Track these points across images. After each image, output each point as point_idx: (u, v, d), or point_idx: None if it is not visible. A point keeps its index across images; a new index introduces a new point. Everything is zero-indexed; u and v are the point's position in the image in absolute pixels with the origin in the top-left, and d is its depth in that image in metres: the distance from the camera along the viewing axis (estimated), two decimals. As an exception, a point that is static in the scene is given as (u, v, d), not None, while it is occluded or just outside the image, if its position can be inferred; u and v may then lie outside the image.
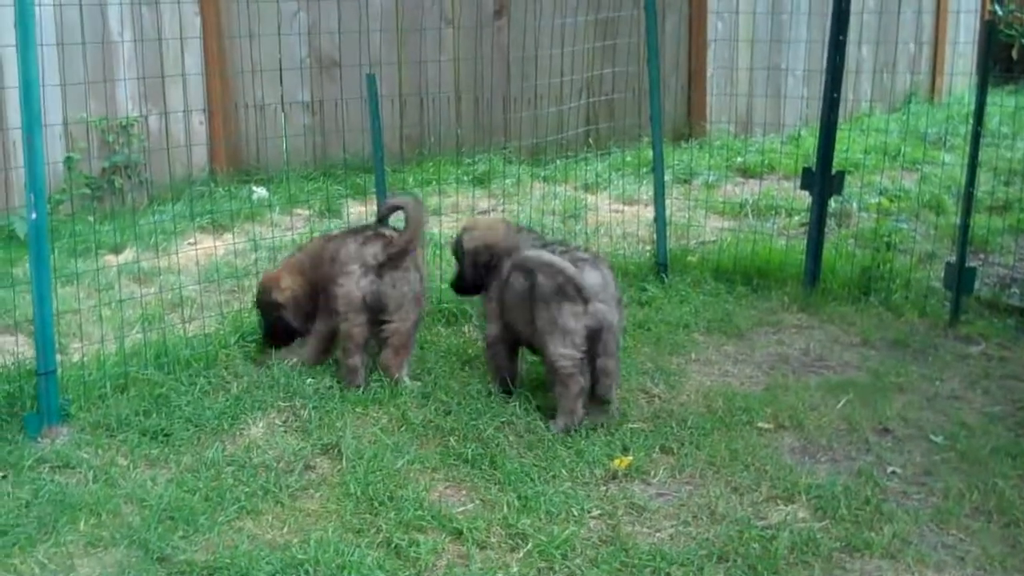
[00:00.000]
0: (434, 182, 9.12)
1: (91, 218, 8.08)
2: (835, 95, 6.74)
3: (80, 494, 4.48)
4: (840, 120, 6.97)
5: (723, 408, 5.28)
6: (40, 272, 5.02)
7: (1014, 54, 13.22)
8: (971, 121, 6.39)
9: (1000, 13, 13.08)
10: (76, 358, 5.66)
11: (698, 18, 10.77)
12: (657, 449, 4.88)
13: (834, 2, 6.70)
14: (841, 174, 6.80)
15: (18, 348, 5.64)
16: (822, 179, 6.77)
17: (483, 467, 4.69)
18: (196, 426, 5.05)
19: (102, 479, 4.62)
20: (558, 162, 9.75)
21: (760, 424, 5.16)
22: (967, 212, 6.38)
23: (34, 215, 4.96)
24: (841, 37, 6.68)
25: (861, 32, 10.84)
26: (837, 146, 6.93)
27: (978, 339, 6.16)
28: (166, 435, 4.98)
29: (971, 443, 4.96)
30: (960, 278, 6.29)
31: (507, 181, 9.27)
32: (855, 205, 8.18)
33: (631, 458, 4.77)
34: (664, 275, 7.00)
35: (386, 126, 8.95)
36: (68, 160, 8.45)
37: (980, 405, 5.41)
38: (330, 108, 9.78)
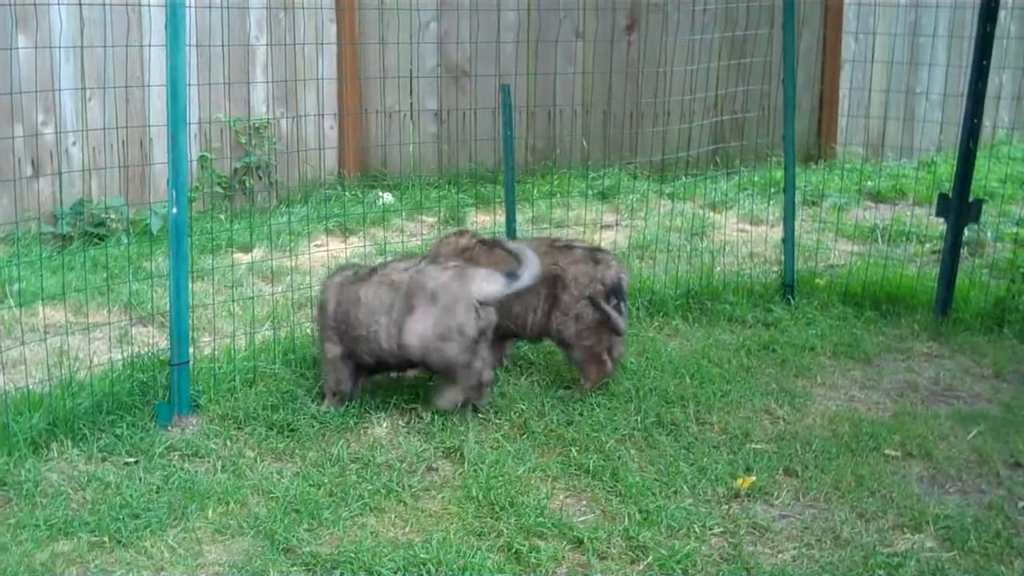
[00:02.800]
0: (559, 194, 9.16)
1: (222, 216, 8.30)
2: (975, 121, 6.59)
3: (208, 483, 4.59)
4: (979, 147, 6.81)
5: (849, 433, 5.19)
6: (178, 265, 5.15)
7: None
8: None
9: None
10: (207, 351, 5.80)
11: (833, 37, 10.63)
12: (781, 471, 4.81)
13: (978, 26, 6.55)
14: (979, 202, 6.64)
15: (153, 339, 5.81)
16: (959, 206, 6.62)
17: (604, 479, 4.68)
18: (321, 423, 5.13)
19: (230, 469, 4.73)
20: (684, 179, 9.70)
21: (887, 451, 5.05)
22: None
23: (175, 210, 5.10)
24: (984, 62, 6.53)
25: (1002, 58, 10.58)
26: (977, 174, 6.76)
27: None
28: (292, 430, 5.07)
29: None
30: (1101, 312, 6.10)
31: (632, 197, 9.26)
32: (990, 234, 7.97)
33: (754, 478, 4.71)
34: (791, 297, 6.91)
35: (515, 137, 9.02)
36: (202, 159, 8.69)
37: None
38: (458, 117, 9.88)
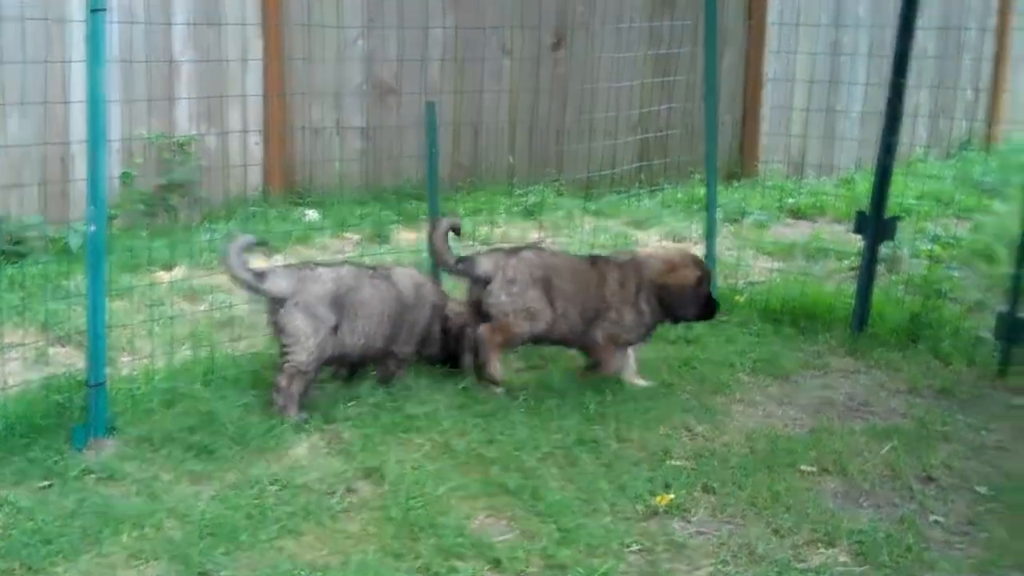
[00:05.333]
0: (485, 211, 9.18)
1: (144, 234, 8.20)
2: (892, 139, 6.72)
3: (124, 506, 4.53)
4: (894, 165, 6.95)
5: (766, 449, 5.25)
6: (95, 284, 5.09)
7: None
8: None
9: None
10: (125, 372, 5.74)
11: (755, 56, 10.79)
12: (699, 487, 4.86)
13: (895, 44, 6.68)
14: (895, 219, 6.77)
15: (70, 360, 5.73)
16: (875, 223, 6.74)
17: (524, 497, 4.69)
18: (240, 444, 5.09)
19: (146, 493, 4.67)
20: (609, 196, 9.78)
21: (803, 467, 5.11)
22: (1020, 262, 6.33)
23: (93, 227, 5.03)
24: (901, 80, 6.66)
25: (920, 76, 10.79)
26: (894, 191, 6.90)
27: (1026, 390, 6.10)
28: (210, 452, 5.02)
29: (1016, 495, 4.91)
30: (1011, 328, 6.23)
31: (557, 213, 9.31)
32: (906, 251, 8.13)
33: (672, 495, 4.75)
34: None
35: (440, 154, 9.02)
36: (124, 176, 8.59)
37: (1025, 458, 5.35)
38: (384, 134, 9.88)
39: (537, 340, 5.96)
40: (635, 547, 4.37)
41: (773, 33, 10.72)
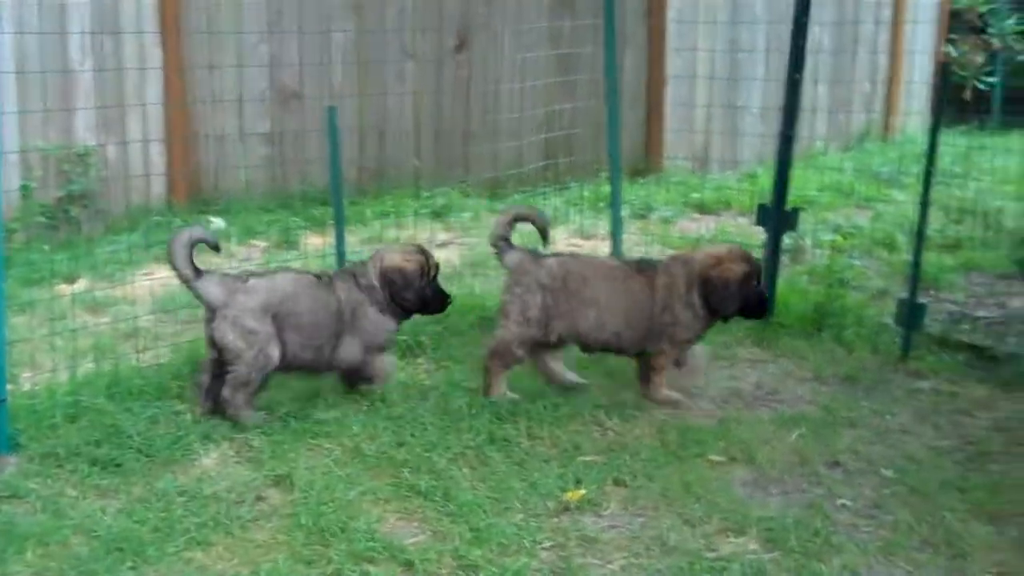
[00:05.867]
0: (392, 215, 9.15)
1: (46, 247, 8.05)
2: (790, 133, 6.83)
3: (28, 524, 4.43)
4: (796, 158, 7.06)
5: (676, 441, 5.29)
6: (-7, 299, 4.98)
7: (967, 95, 13.45)
8: (924, 160, 6.48)
9: (954, 54, 13.33)
10: (27, 387, 5.62)
11: (657, 55, 10.90)
12: (610, 481, 4.89)
13: (791, 40, 6.79)
14: (795, 211, 6.87)
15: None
16: (777, 215, 6.84)
17: (435, 499, 4.68)
18: (147, 456, 5.01)
19: (51, 509, 4.58)
20: (516, 196, 9.80)
21: (713, 457, 5.17)
22: (918, 250, 6.47)
23: (-12, 242, 4.93)
24: (796, 75, 6.77)
25: (817, 71, 10.99)
26: (793, 183, 7.01)
27: (928, 374, 6.21)
28: (117, 465, 4.94)
29: (920, 477, 5.00)
30: (911, 314, 6.36)
31: (465, 215, 9.32)
32: (809, 242, 8.26)
33: (584, 490, 4.77)
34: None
35: (345, 158, 8.93)
36: (24, 188, 8.42)
37: (929, 439, 5.45)
38: (290, 140, 9.80)
39: (586, 348, 5.91)
40: (547, 544, 4.38)
41: (673, 31, 10.84)
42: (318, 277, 5.74)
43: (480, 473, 4.93)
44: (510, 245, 5.88)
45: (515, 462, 5.03)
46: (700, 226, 9.21)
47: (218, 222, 8.99)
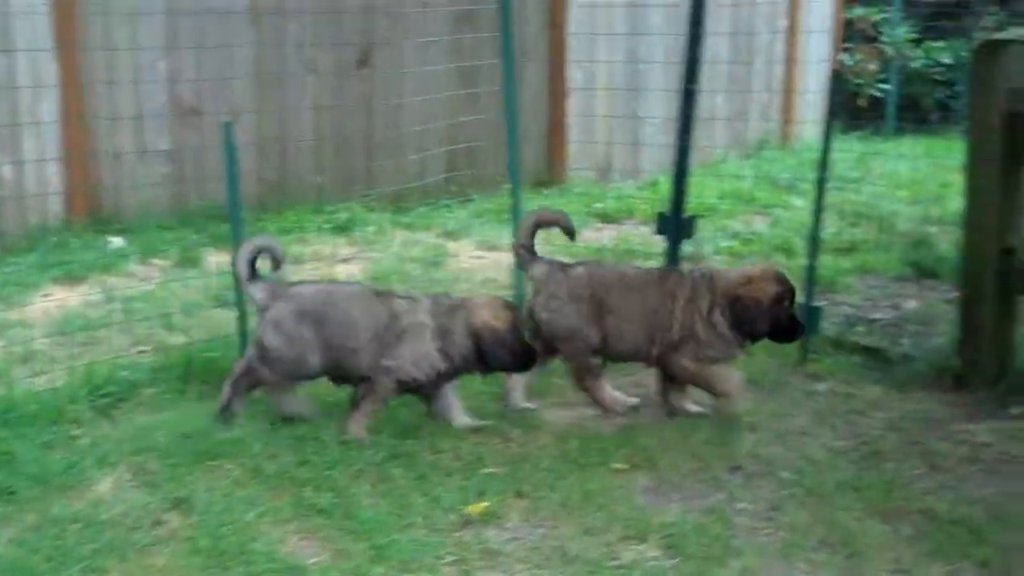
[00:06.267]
0: (295, 230, 9.10)
1: (-62, 271, 7.86)
2: (685, 143, 6.91)
3: (-84, 557, 4.33)
4: (696, 166, 7.15)
5: (578, 450, 5.32)
6: None
7: (862, 102, 13.74)
8: (817, 167, 6.61)
9: (849, 63, 13.62)
10: (-83, 416, 5.48)
11: (557, 67, 10.97)
12: (512, 493, 4.89)
13: (685, 52, 6.87)
14: (692, 218, 6.94)
15: None
16: (675, 223, 6.92)
17: (337, 517, 4.65)
18: (42, 483, 4.90)
19: (-60, 540, 4.47)
20: (420, 209, 9.81)
21: (615, 465, 5.20)
22: (813, 254, 6.59)
23: None
24: (691, 86, 6.86)
25: (716, 81, 11.14)
26: (694, 192, 7.10)
27: (825, 376, 6.31)
28: (10, 493, 4.83)
29: (817, 478, 5.08)
30: (808, 318, 6.46)
31: (369, 229, 9.29)
32: (708, 249, 8.36)
33: (487, 503, 4.78)
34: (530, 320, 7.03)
35: (247, 174, 8.88)
36: (-85, 211, 8.22)
37: (827, 441, 5.55)
38: (190, 156, 9.69)
39: (608, 356, 5.87)
40: (449, 558, 4.38)
41: (573, 44, 10.93)
42: (377, 292, 5.74)
43: (382, 489, 4.91)
44: (534, 255, 5.86)
45: (417, 477, 5.02)
46: (603, 235, 9.29)
47: (118, 241, 8.85)
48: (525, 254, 5.88)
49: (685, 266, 6.48)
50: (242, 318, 6.17)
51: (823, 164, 6.51)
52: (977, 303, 5.98)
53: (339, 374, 5.60)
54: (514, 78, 7.16)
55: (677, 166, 6.95)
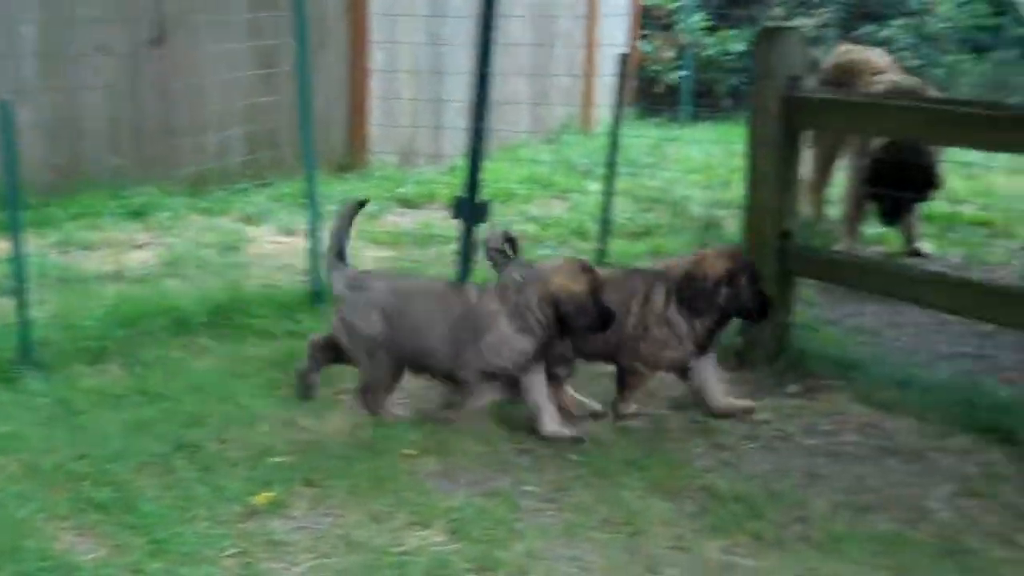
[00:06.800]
0: (87, 216, 8.80)
1: None
2: (480, 126, 6.96)
3: None
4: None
5: (369, 436, 5.29)
6: None
7: (659, 88, 14.09)
8: (608, 152, 6.74)
9: (647, 50, 13.94)
10: None
11: (358, 48, 10.88)
12: (299, 482, 4.83)
13: (478, 35, 6.91)
14: (486, 203, 6.99)
15: None
16: (470, 207, 6.96)
17: (116, 512, 4.51)
18: None
19: None
20: (219, 194, 9.61)
21: (406, 451, 5.18)
22: (604, 237, 6.72)
23: None
24: (485, 69, 6.90)
25: (517, 65, 11.24)
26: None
27: (613, 358, 6.44)
28: None
29: (603, 458, 5.17)
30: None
31: (165, 214, 9.05)
32: (507, 233, 8.43)
33: (273, 493, 4.72)
34: (319, 305, 6.98)
35: (36, 157, 8.57)
36: None
37: (609, 421, 5.66)
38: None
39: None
40: (232, 550, 4.30)
41: (375, 25, 10.85)
42: (452, 285, 5.73)
43: (165, 482, 4.79)
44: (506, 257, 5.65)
45: (202, 468, 4.91)
46: (405, 220, 9.28)
47: None
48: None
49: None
50: (22, 307, 5.94)
51: (612, 149, 6.66)
52: (758, 284, 6.17)
53: (421, 371, 5.59)
54: (308, 60, 7.07)
55: (472, 150, 7.00)
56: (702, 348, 5.64)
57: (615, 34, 13.21)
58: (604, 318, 5.41)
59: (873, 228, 8.36)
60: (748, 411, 5.68)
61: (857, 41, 11.48)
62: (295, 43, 7.06)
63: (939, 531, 4.59)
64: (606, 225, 6.73)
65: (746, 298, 5.56)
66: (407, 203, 9.82)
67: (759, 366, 6.14)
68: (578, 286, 5.37)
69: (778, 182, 6.06)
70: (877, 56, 8.67)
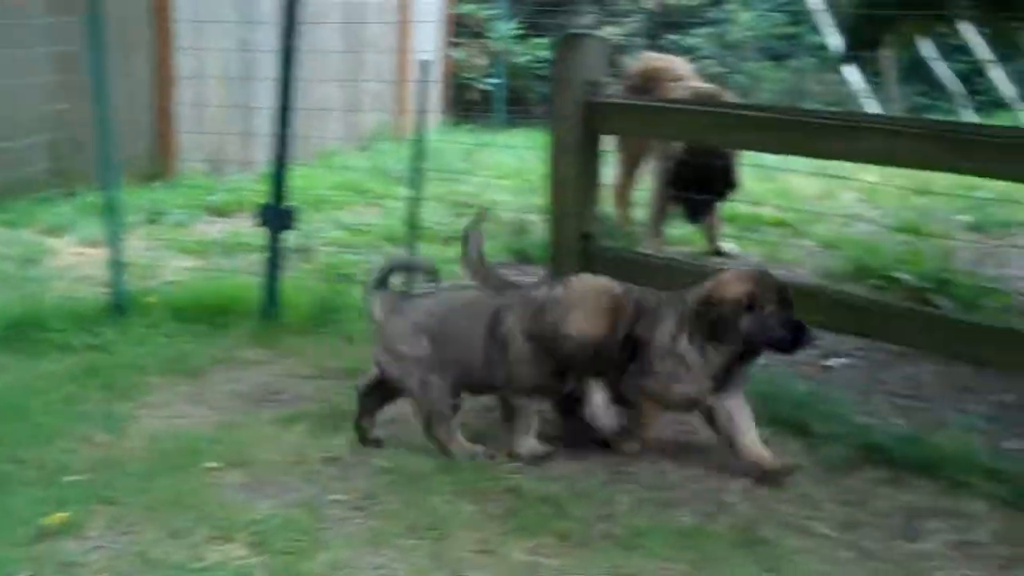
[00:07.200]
0: None
1: None
2: (285, 132, 6.91)
3: None
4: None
5: (172, 451, 5.16)
6: None
7: (474, 95, 14.18)
8: (414, 158, 6.75)
9: (459, 57, 14.01)
10: None
11: (163, 55, 10.64)
12: (96, 500, 4.67)
13: (281, 41, 6.85)
14: (291, 209, 6.92)
15: None
16: (275, 215, 6.88)
17: None
18: None
19: None
20: (22, 204, 9.28)
21: (209, 464, 5.07)
22: (412, 243, 6.73)
23: None
24: (288, 75, 6.85)
25: (328, 71, 11.14)
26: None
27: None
28: None
29: (411, 463, 5.14)
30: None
31: (-43, 227, 8.69)
32: (317, 240, 8.37)
33: (68, 513, 4.55)
34: (121, 318, 6.79)
35: None
36: None
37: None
38: None
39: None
40: (23, 574, 4.15)
41: (181, 31, 10.61)
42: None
43: (-58, 506, 4.58)
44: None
45: (-8, 489, 4.73)
46: (214, 228, 9.10)
47: None
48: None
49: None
50: None
51: (419, 154, 6.67)
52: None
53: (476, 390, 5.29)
54: (103, 66, 6.86)
55: (277, 157, 6.94)
56: (720, 384, 5.02)
57: (427, 42, 13.22)
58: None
59: (680, 229, 8.57)
60: (788, 471, 5.04)
61: (662, 49, 11.77)
62: (89, 49, 6.84)
63: (736, 523, 4.70)
64: (414, 231, 6.72)
65: (773, 326, 4.87)
66: (217, 211, 9.63)
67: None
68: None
69: (579, 185, 6.16)
70: (678, 63, 8.92)
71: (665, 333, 4.95)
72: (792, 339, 4.90)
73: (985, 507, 4.83)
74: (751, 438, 5.05)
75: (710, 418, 5.10)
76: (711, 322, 4.87)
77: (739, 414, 5.05)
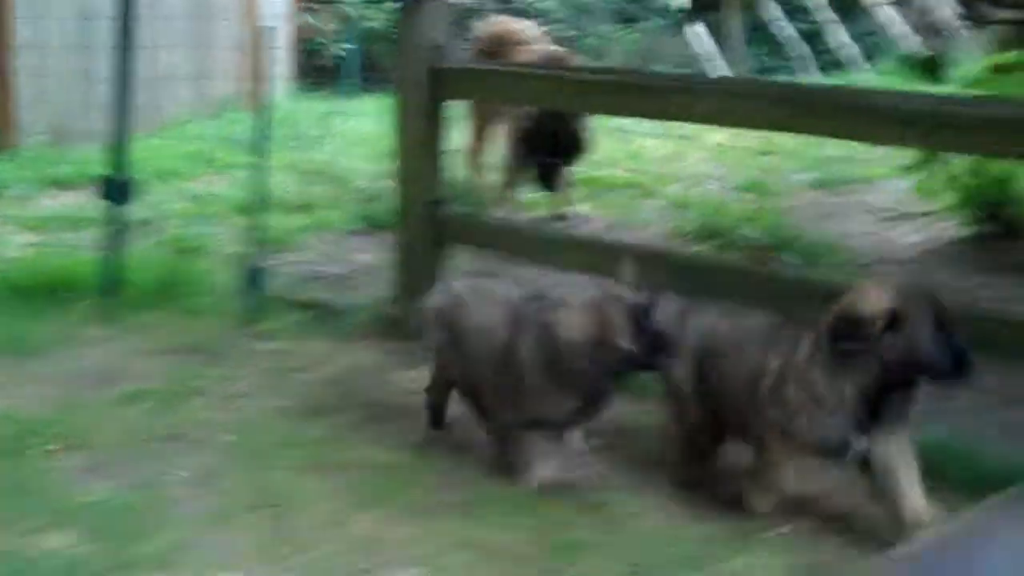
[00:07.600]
0: None
1: None
2: (125, 102, 6.73)
3: None
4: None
5: (9, 434, 4.99)
6: None
7: (327, 61, 13.96)
8: (259, 125, 6.64)
9: (311, 22, 13.78)
10: None
11: (2, 22, 10.22)
12: (-76, 490, 4.53)
13: (118, 7, 6.67)
14: (130, 181, 6.74)
15: None
16: (117, 187, 6.71)
17: None
18: None
19: None
20: None
21: (49, 447, 4.92)
22: (261, 213, 6.64)
23: None
24: (127, 42, 6.68)
25: (174, 38, 10.88)
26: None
27: (273, 336, 6.31)
28: None
29: (257, 438, 5.09)
30: (253, 278, 6.49)
31: None
32: (162, 212, 8.18)
33: None
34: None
35: None
36: None
37: (270, 401, 5.55)
38: None
39: None
40: None
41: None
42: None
43: None
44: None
45: None
46: (59, 203, 8.84)
47: None
48: None
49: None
50: None
51: (264, 122, 6.58)
52: (411, 253, 6.23)
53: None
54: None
55: (117, 127, 6.75)
56: (865, 422, 4.05)
57: (277, 7, 12.96)
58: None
59: (533, 194, 8.59)
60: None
61: (514, 13, 11.74)
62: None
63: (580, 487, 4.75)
64: (262, 200, 6.61)
65: (926, 349, 3.90)
66: (61, 184, 9.32)
67: (415, 335, 6.10)
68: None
69: (425, 151, 6.13)
70: (527, 27, 8.92)
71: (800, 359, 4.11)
72: (952, 365, 3.91)
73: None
74: (918, 492, 4.07)
75: (862, 466, 4.15)
76: (842, 343, 3.98)
77: (899, 462, 4.08)
